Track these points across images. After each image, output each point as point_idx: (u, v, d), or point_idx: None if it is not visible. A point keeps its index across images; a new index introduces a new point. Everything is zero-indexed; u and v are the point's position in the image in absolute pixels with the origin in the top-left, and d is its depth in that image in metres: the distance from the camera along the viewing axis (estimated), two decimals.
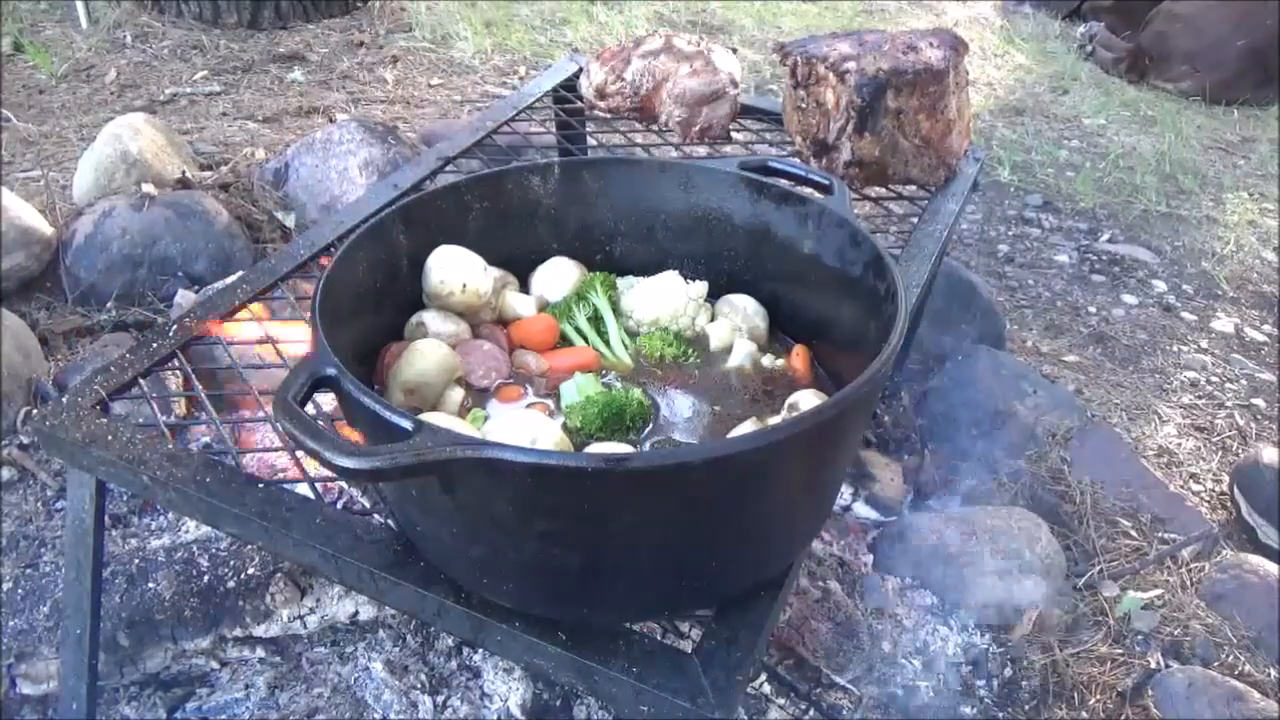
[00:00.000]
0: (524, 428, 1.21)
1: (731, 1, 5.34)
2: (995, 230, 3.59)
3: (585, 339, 1.49)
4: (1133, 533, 2.26)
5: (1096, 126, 4.45)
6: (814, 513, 1.29)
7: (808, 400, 1.36)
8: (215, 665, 1.82)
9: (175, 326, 1.59)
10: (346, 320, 1.27)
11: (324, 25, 4.69)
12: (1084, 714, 1.87)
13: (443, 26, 4.73)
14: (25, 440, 2.19)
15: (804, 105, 2.04)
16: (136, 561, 1.84)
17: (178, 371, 1.58)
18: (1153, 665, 1.96)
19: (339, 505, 1.80)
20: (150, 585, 1.79)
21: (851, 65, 1.94)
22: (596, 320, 1.51)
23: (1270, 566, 2.13)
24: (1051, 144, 4.24)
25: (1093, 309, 3.17)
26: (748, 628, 1.18)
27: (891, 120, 1.95)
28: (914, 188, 2.11)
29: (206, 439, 2.08)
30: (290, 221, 2.97)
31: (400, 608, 1.51)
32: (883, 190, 2.12)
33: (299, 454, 1.46)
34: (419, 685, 1.77)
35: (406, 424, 0.99)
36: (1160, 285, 3.33)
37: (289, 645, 1.84)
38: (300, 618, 1.82)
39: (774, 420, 1.35)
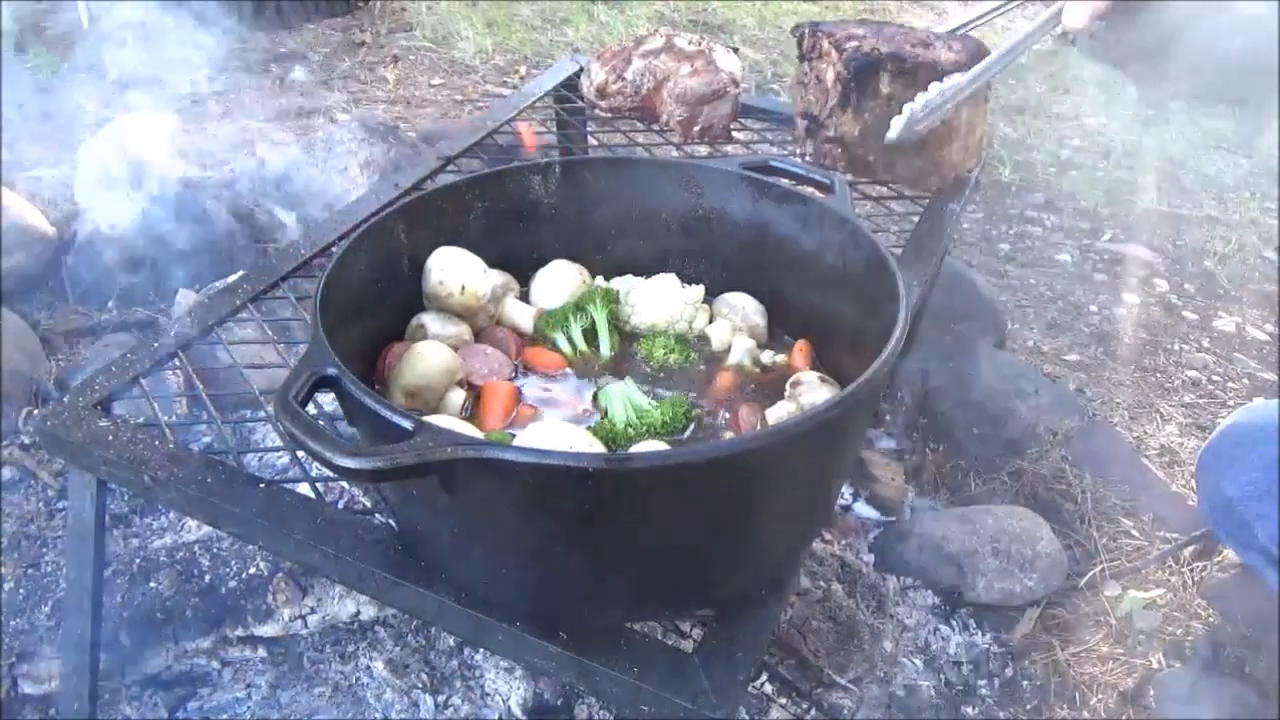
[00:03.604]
0: (559, 438, 1.20)
1: (733, 1, 5.34)
2: (996, 229, 3.58)
3: (575, 349, 1.48)
4: (1134, 532, 2.26)
5: (1098, 125, 4.44)
6: (815, 512, 1.29)
7: (809, 380, 1.36)
8: (216, 665, 1.82)
9: (176, 326, 1.60)
10: (347, 320, 1.27)
11: (325, 25, 4.69)
12: (1085, 714, 1.87)
13: (443, 26, 4.72)
14: (27, 440, 2.19)
15: (806, 80, 2.03)
16: (138, 561, 1.84)
17: (178, 371, 1.58)
18: (1154, 665, 1.96)
19: (340, 505, 1.80)
20: (152, 585, 1.79)
21: (854, 44, 1.92)
22: (592, 332, 1.50)
23: None
24: (1053, 143, 4.23)
25: (1094, 308, 3.16)
26: (749, 627, 1.18)
27: (881, 105, 1.92)
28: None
29: (207, 439, 2.08)
30: (291, 221, 2.97)
31: (401, 607, 1.51)
32: (884, 189, 2.11)
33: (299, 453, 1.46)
34: (420, 684, 1.77)
35: (407, 424, 0.99)
36: (1162, 284, 3.33)
37: (290, 645, 1.84)
38: (301, 617, 1.82)
39: (775, 407, 1.35)
